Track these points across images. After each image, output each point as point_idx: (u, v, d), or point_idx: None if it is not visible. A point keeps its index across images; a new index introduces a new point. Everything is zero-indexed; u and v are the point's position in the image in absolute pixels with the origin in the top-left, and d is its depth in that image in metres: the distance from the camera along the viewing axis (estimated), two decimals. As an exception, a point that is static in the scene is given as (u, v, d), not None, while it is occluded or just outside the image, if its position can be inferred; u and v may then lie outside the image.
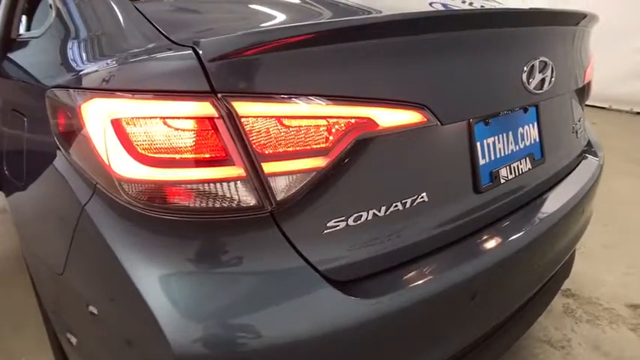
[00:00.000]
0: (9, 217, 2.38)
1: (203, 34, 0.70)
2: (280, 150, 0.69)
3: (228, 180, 0.67)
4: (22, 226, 1.22)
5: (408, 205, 0.83)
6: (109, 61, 0.75)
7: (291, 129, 0.69)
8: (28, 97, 1.06)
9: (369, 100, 0.74)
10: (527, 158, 1.10)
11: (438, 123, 0.82)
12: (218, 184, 0.68)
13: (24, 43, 1.33)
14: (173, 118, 0.66)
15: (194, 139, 0.66)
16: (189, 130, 0.66)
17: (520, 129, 1.08)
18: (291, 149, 0.69)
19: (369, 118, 0.74)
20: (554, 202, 1.12)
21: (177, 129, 0.66)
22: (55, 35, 0.99)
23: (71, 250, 0.83)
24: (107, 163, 0.69)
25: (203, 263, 0.70)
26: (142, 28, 0.79)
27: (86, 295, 0.84)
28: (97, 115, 0.70)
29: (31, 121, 1.02)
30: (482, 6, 1.42)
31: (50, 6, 1.08)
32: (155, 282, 0.68)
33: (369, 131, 0.74)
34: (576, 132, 1.35)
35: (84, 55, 0.85)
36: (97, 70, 0.75)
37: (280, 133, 0.68)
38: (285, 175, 0.70)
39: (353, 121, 0.73)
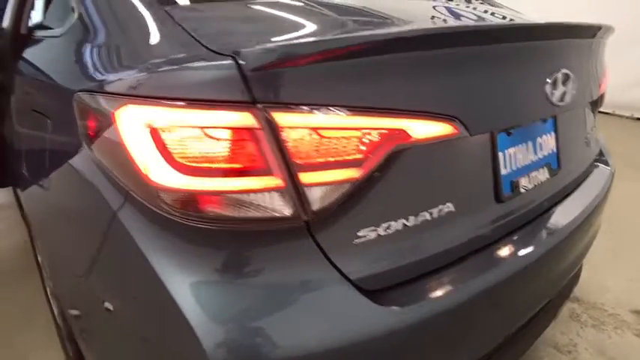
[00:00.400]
0: (14, 214, 2.37)
1: (241, 44, 0.70)
2: (317, 161, 0.69)
3: (266, 190, 0.68)
4: (41, 228, 1.22)
5: (435, 214, 0.84)
6: (146, 68, 0.75)
7: (328, 140, 0.69)
8: (52, 98, 1.05)
9: (403, 112, 0.75)
10: (545, 168, 1.11)
11: (468, 134, 0.83)
12: (256, 194, 0.68)
13: (40, 41, 1.31)
14: (213, 127, 0.66)
15: (234, 149, 0.66)
16: (228, 140, 0.66)
17: (539, 139, 1.09)
18: (327, 160, 0.70)
19: (402, 130, 0.75)
20: (570, 210, 1.14)
21: (216, 139, 0.66)
22: (82, 37, 0.98)
23: (100, 254, 0.83)
24: (143, 170, 0.70)
25: (237, 272, 0.71)
26: (176, 36, 0.79)
27: (112, 298, 0.84)
28: (134, 123, 0.70)
29: (55, 124, 1.01)
30: (485, 11, 1.43)
31: (72, 9, 1.07)
32: (189, 290, 0.68)
33: (403, 143, 0.75)
34: (589, 141, 1.37)
35: (119, 60, 0.84)
36: (134, 77, 0.75)
37: (318, 144, 0.69)
38: (321, 185, 0.70)
39: (387, 132, 0.74)
